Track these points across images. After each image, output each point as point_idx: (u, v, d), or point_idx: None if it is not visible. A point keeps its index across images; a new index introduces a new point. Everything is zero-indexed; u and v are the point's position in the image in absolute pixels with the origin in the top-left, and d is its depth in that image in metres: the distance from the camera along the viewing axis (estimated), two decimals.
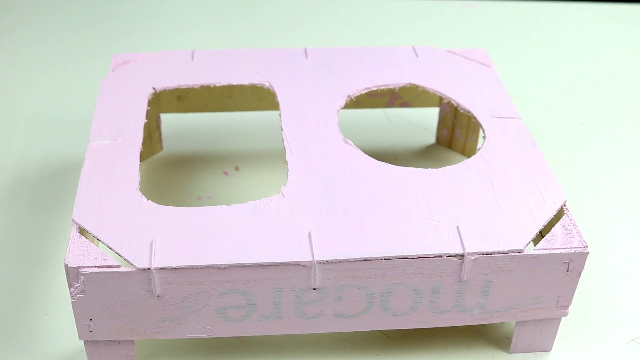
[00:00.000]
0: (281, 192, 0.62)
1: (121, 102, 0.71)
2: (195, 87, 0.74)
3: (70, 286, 0.56)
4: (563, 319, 0.66)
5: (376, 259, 0.56)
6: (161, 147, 0.85)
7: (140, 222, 0.58)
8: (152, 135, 0.83)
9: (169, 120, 0.88)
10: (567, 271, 0.59)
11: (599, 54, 1.08)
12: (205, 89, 0.81)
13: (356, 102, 0.83)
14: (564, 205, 0.62)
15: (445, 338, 0.65)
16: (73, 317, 0.63)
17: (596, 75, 1.03)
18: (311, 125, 0.69)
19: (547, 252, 0.58)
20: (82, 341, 0.61)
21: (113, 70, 0.76)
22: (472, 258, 0.57)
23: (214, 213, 0.59)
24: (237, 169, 0.83)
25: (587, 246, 0.58)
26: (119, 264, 0.56)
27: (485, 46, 1.03)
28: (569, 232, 0.59)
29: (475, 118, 0.71)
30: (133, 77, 0.74)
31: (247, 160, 0.84)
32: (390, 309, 0.59)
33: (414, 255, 0.57)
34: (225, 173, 0.83)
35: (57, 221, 0.75)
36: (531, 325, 0.63)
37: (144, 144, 0.69)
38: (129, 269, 0.55)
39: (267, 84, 0.74)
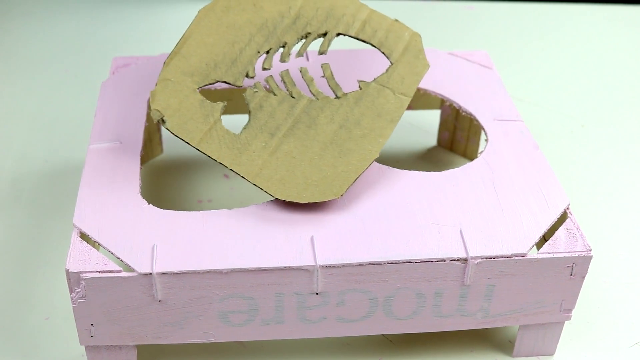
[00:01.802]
0: None
1: (121, 105, 0.71)
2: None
3: (71, 291, 0.56)
4: (566, 322, 0.66)
5: (379, 263, 0.56)
6: (162, 150, 0.85)
7: (142, 226, 0.58)
8: (152, 138, 0.83)
9: None
10: (571, 275, 0.58)
11: (601, 56, 1.08)
12: (205, 92, 0.81)
13: None
14: (567, 208, 0.61)
15: (448, 342, 0.65)
16: (74, 322, 0.63)
17: (598, 77, 1.03)
18: None
19: (551, 256, 0.57)
20: (84, 346, 0.61)
21: (113, 73, 0.75)
22: (475, 262, 0.57)
23: (216, 217, 0.59)
24: None
25: (590, 250, 0.58)
26: (120, 268, 0.55)
27: (486, 48, 1.03)
28: (573, 235, 0.59)
29: (477, 121, 0.70)
30: (133, 80, 0.74)
31: None
32: (393, 313, 0.59)
33: (417, 259, 0.56)
34: (226, 176, 0.82)
35: (58, 225, 0.75)
36: (534, 329, 0.62)
37: (144, 147, 0.68)
38: (130, 274, 0.55)
39: (267, 86, 0.73)
